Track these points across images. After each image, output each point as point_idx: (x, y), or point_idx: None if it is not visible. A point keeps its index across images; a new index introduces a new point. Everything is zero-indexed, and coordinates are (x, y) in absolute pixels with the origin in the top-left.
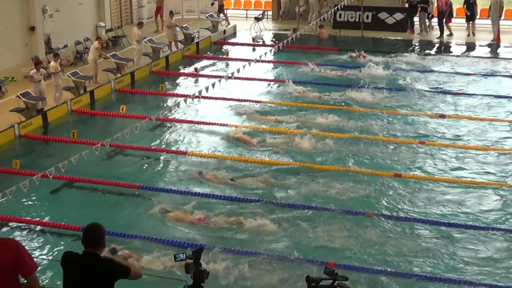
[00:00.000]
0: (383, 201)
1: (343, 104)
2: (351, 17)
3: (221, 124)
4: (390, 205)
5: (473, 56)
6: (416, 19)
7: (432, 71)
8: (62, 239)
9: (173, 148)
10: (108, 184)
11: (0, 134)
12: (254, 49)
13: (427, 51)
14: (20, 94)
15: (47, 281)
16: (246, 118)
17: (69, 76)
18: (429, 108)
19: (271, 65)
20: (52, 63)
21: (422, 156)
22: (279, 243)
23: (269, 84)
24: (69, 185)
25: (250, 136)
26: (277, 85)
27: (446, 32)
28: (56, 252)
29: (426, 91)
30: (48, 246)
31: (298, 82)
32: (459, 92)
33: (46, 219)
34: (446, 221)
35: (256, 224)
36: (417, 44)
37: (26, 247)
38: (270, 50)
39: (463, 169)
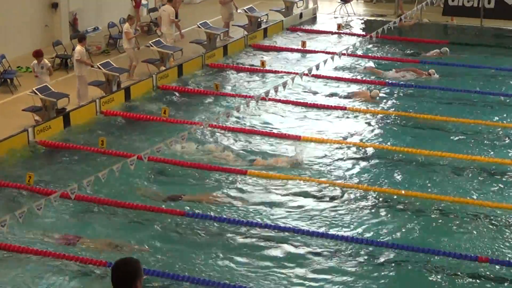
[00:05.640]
0: None
1: None
2: (468, 0)
3: (290, 137)
4: None
5: None
6: None
7: None
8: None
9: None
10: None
11: (10, 139)
12: (339, 39)
13: None
14: (36, 89)
15: None
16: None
17: (99, 68)
18: None
19: (361, 60)
20: (78, 47)
21: None
22: None
23: (358, 87)
24: (93, 207)
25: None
26: (367, 87)
27: None
28: None
29: None
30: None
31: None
32: None
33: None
34: None
35: None
36: None
37: None
38: (361, 42)
39: None
